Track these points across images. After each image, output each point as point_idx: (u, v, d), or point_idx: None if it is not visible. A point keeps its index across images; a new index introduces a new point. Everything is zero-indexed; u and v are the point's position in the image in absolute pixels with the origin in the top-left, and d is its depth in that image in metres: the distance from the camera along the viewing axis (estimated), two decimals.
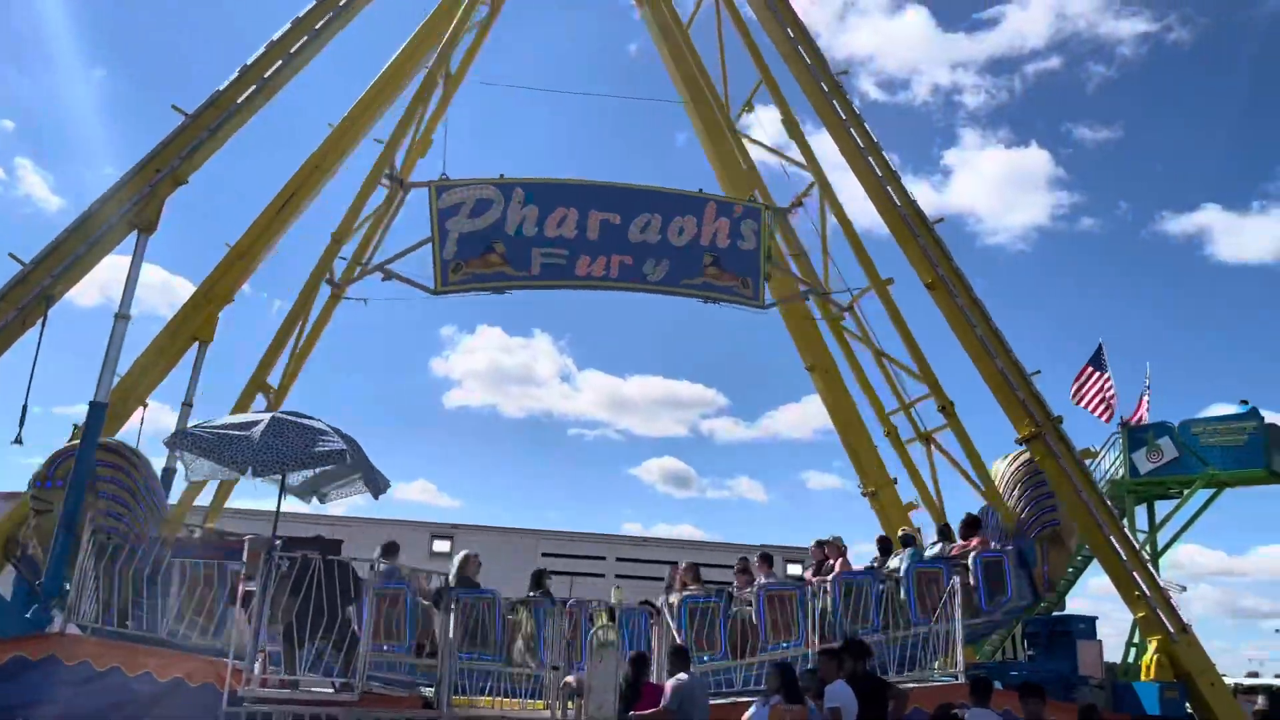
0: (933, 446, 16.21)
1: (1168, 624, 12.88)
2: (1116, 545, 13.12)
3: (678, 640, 12.02)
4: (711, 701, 10.27)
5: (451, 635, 10.85)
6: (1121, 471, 26.48)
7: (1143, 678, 13.19)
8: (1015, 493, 14.78)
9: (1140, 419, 27.45)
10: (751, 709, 9.68)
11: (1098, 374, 27.15)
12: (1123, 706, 13.48)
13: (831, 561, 13.97)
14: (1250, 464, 25.24)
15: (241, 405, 15.11)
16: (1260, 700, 23.81)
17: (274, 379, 15.80)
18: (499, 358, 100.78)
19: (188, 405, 14.86)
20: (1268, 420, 25.93)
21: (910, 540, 14.19)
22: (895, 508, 18.91)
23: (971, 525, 14.20)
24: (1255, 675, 35.89)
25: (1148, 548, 27.03)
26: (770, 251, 16.00)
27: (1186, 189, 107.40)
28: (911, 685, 11.71)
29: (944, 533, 14.68)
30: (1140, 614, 13.11)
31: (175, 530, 12.78)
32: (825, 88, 15.53)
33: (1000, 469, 15.36)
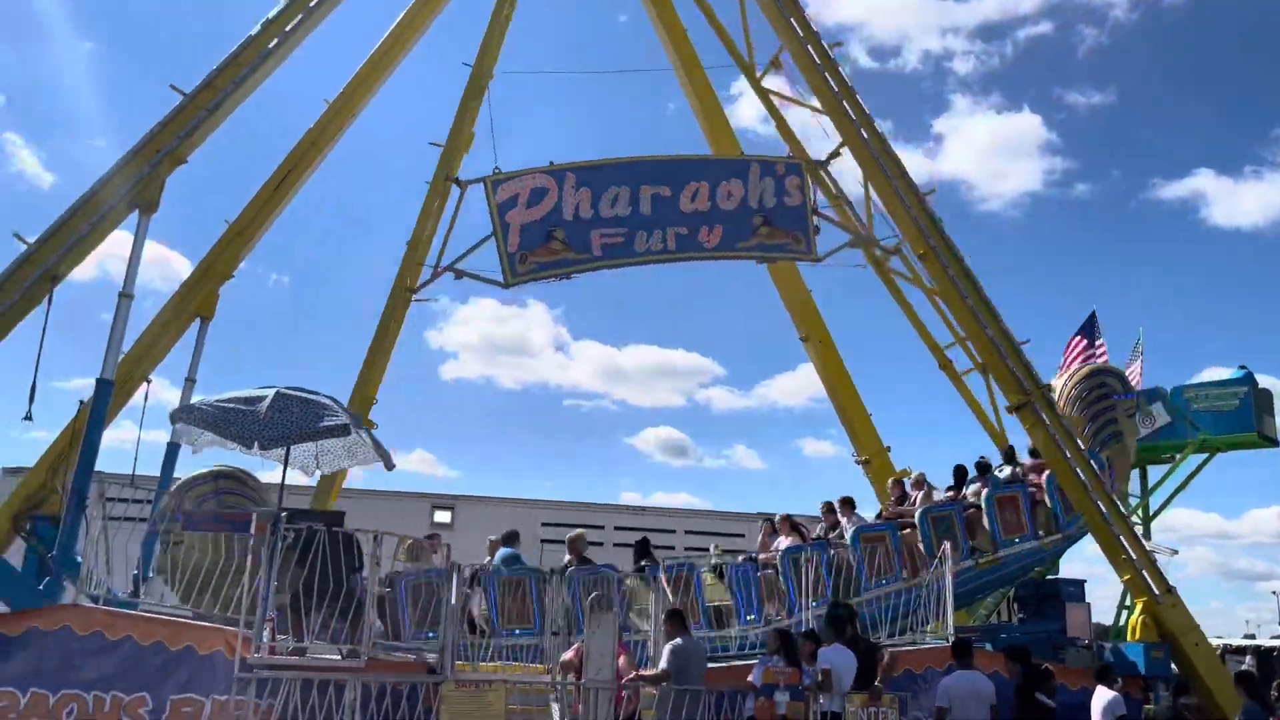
0: (990, 375, 16.83)
1: (1153, 586, 13.17)
2: (1103, 509, 13.39)
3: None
4: (714, 665, 10.63)
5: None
6: None
7: (1129, 639, 13.51)
8: (1075, 409, 15.98)
9: (1134, 385, 27.69)
10: (754, 671, 10.03)
11: (1086, 343, 27.37)
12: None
13: (844, 520, 14.54)
14: (1241, 428, 25.49)
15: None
16: (1247, 660, 24.25)
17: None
18: (493, 329, 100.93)
19: (191, 381, 15.10)
20: (1260, 385, 26.22)
21: (986, 467, 15.47)
22: (889, 475, 19.23)
23: (1037, 452, 15.07)
24: (1252, 637, 36.35)
25: (1140, 512, 27.42)
26: (816, 205, 16.39)
27: (1180, 155, 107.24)
28: (903, 648, 12.06)
29: (1009, 456, 15.96)
30: (1126, 576, 13.41)
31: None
32: (817, 59, 15.59)
33: (1057, 385, 16.33)
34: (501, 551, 13.43)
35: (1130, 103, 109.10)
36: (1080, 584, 15.73)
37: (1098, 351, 27.46)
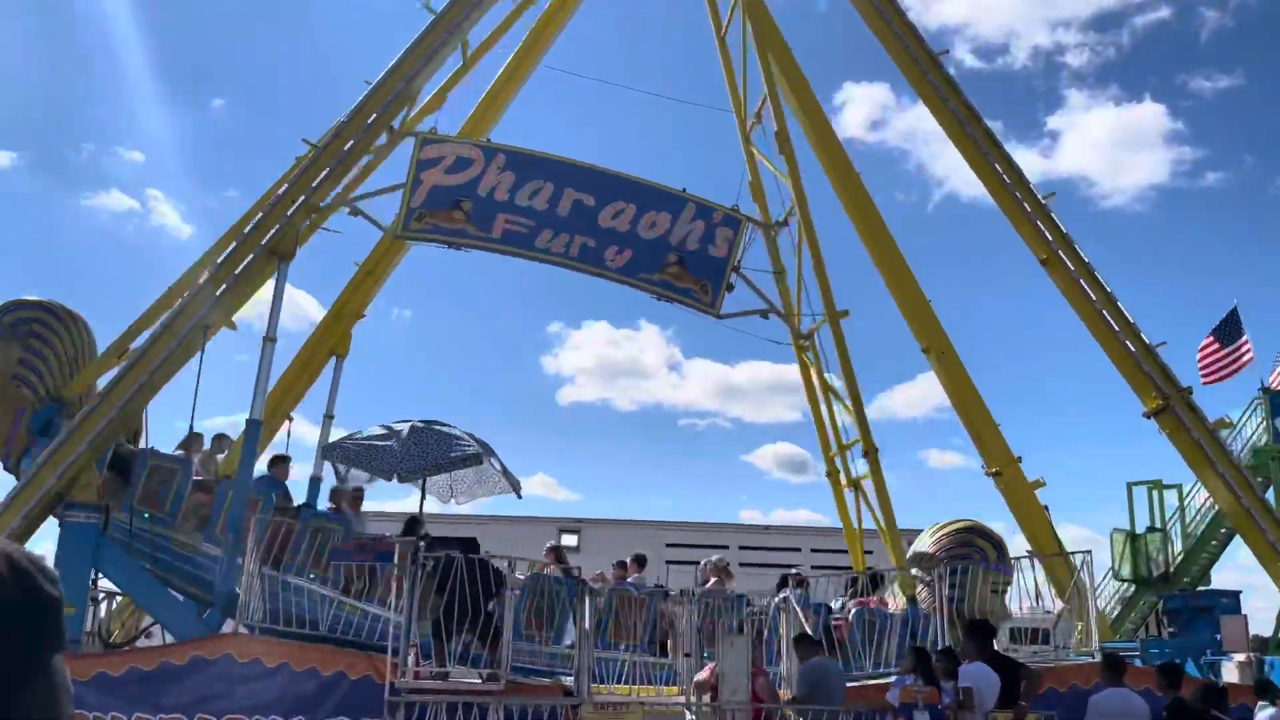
0: (860, 494, 16.35)
1: None
2: (1255, 514, 12.74)
3: None
4: (850, 684, 10.54)
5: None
6: (1265, 438, 25.37)
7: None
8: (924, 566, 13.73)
9: (1272, 382, 26.22)
10: (890, 691, 9.90)
11: (1218, 345, 26.06)
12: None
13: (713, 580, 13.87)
14: None
15: None
16: None
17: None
18: (607, 352, 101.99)
19: (329, 417, 15.83)
20: None
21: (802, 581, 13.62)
22: (1020, 487, 18.67)
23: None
24: None
25: None
26: (740, 264, 15.84)
27: None
28: (1047, 664, 11.70)
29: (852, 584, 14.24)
30: None
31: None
32: (921, 65, 15.40)
33: (925, 540, 14.60)
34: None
35: (1260, 85, 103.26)
36: (1235, 595, 15.07)
37: (1241, 351, 26.17)
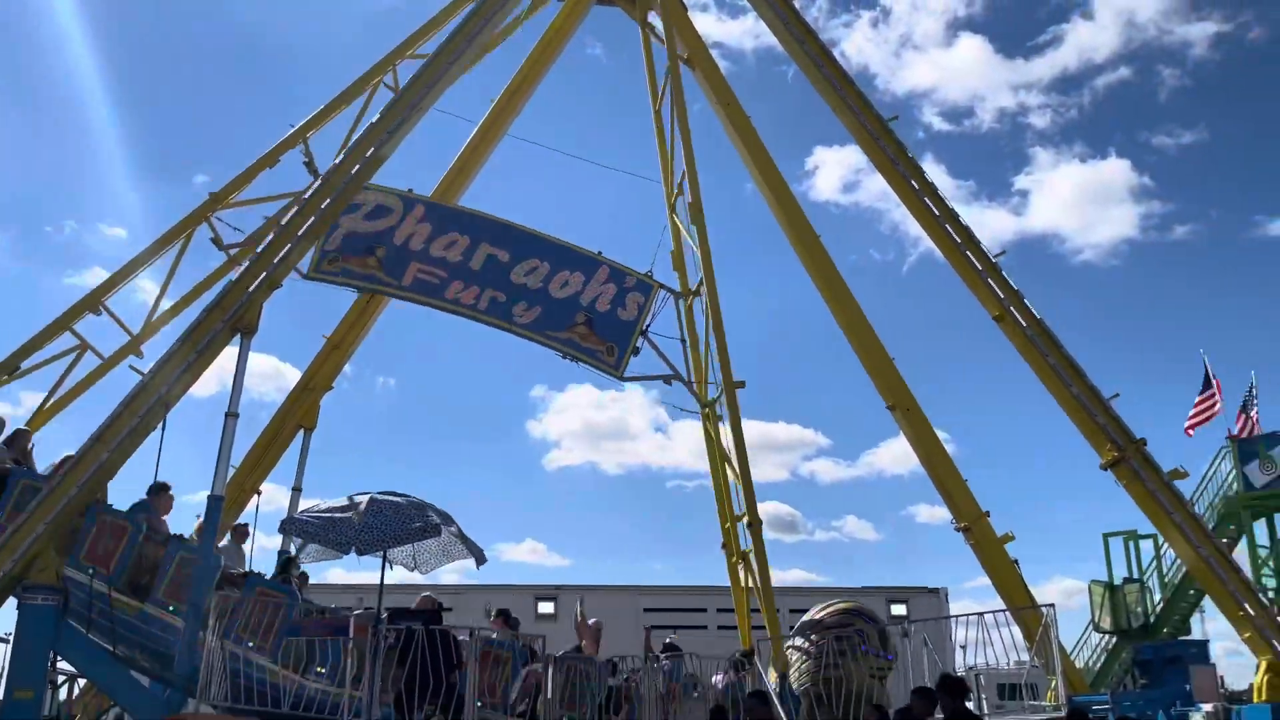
0: (746, 567, 16.45)
1: (1276, 642, 12.54)
2: (1213, 563, 12.87)
3: None
4: None
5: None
6: (1236, 486, 25.57)
7: (1254, 699, 12.84)
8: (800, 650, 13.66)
9: (1251, 430, 26.51)
10: None
11: (1207, 392, 26.44)
12: None
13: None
14: None
15: None
16: None
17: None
18: (592, 415, 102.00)
19: (297, 490, 15.85)
20: None
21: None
22: (990, 541, 18.75)
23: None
24: None
25: (1272, 562, 25.96)
26: (648, 329, 16.13)
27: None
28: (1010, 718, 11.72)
29: (741, 663, 13.84)
30: (1245, 634, 12.80)
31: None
32: (871, 131, 15.84)
33: (811, 616, 14.48)
34: None
35: (1223, 139, 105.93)
36: (1204, 644, 15.11)
37: (1209, 402, 26.50)
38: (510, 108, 18.81)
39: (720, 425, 17.29)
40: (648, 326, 16.15)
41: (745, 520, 16.17)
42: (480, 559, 11.65)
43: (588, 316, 15.78)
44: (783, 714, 10.91)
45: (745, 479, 16.03)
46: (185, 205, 16.67)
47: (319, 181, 14.40)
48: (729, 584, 18.53)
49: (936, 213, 15.21)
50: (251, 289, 12.99)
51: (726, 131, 20.28)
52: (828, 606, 14.45)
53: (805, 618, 14.61)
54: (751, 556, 16.01)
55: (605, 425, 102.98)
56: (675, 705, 11.93)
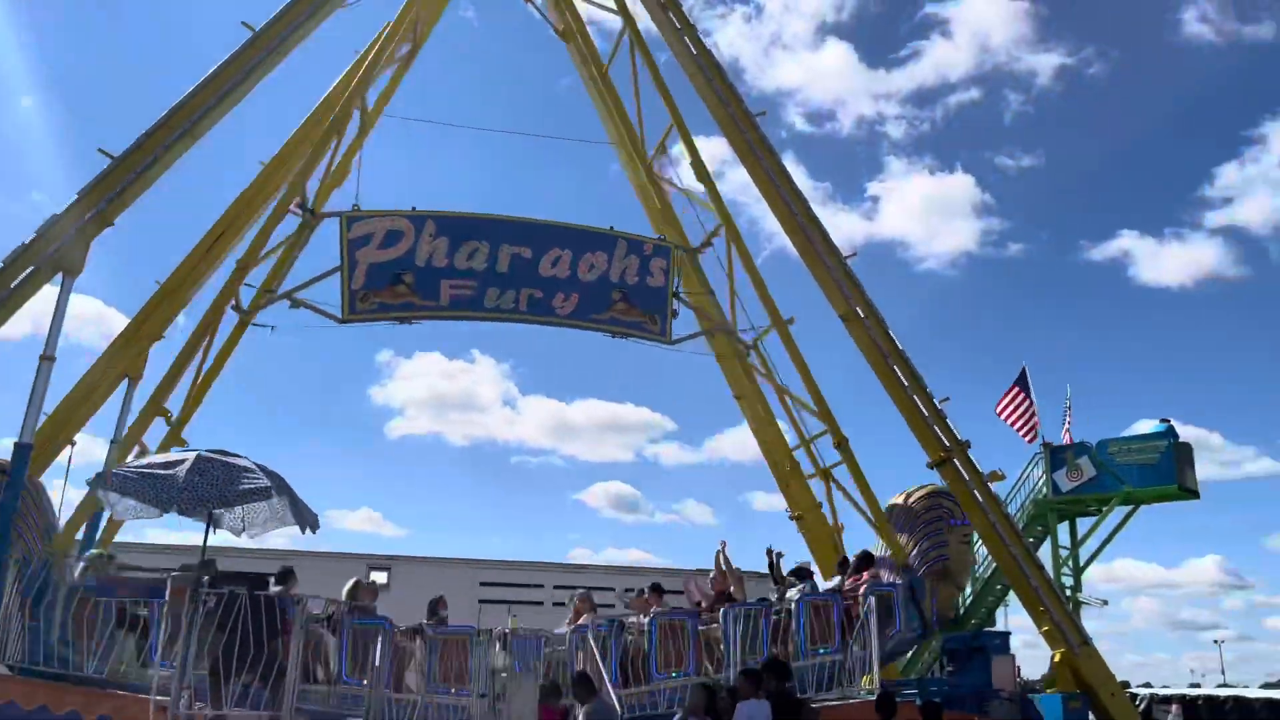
0: (830, 482, 16.74)
1: (1070, 636, 13.50)
2: (1020, 562, 13.74)
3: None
4: None
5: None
6: (1045, 490, 27.42)
7: (1048, 689, 13.80)
8: (908, 530, 15.10)
9: (1064, 439, 28.49)
10: None
11: (1022, 394, 28.16)
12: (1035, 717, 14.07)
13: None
14: (1163, 480, 26.33)
15: (137, 429, 14.86)
16: (1174, 710, 24.70)
17: (175, 404, 15.35)
18: (439, 384, 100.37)
19: (115, 443, 14.90)
20: (1181, 438, 27.11)
21: (805, 574, 14.51)
22: (822, 530, 19.44)
23: (865, 560, 14.60)
24: (1197, 685, 37.12)
25: (1070, 563, 28.01)
26: (678, 289, 16.54)
27: (1106, 217, 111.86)
28: (831, 703, 12.21)
29: (842, 566, 15.11)
30: (1044, 628, 13.74)
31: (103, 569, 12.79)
32: (740, 124, 16.06)
33: (895, 504, 15.70)
34: None
35: (1057, 166, 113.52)
36: (1005, 636, 16.04)
37: (1027, 406, 28.24)
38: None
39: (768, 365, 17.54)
40: (677, 288, 16.57)
41: (834, 440, 16.43)
42: (313, 525, 11.24)
43: (622, 292, 16.03)
44: (612, 694, 11.01)
45: (820, 402, 16.41)
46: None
47: (164, 116, 13.55)
48: (568, 561, 18.54)
49: (794, 210, 15.56)
50: (78, 225, 12.09)
51: (596, 107, 20.23)
52: (910, 495, 15.62)
53: (891, 507, 15.62)
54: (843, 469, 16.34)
55: (453, 395, 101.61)
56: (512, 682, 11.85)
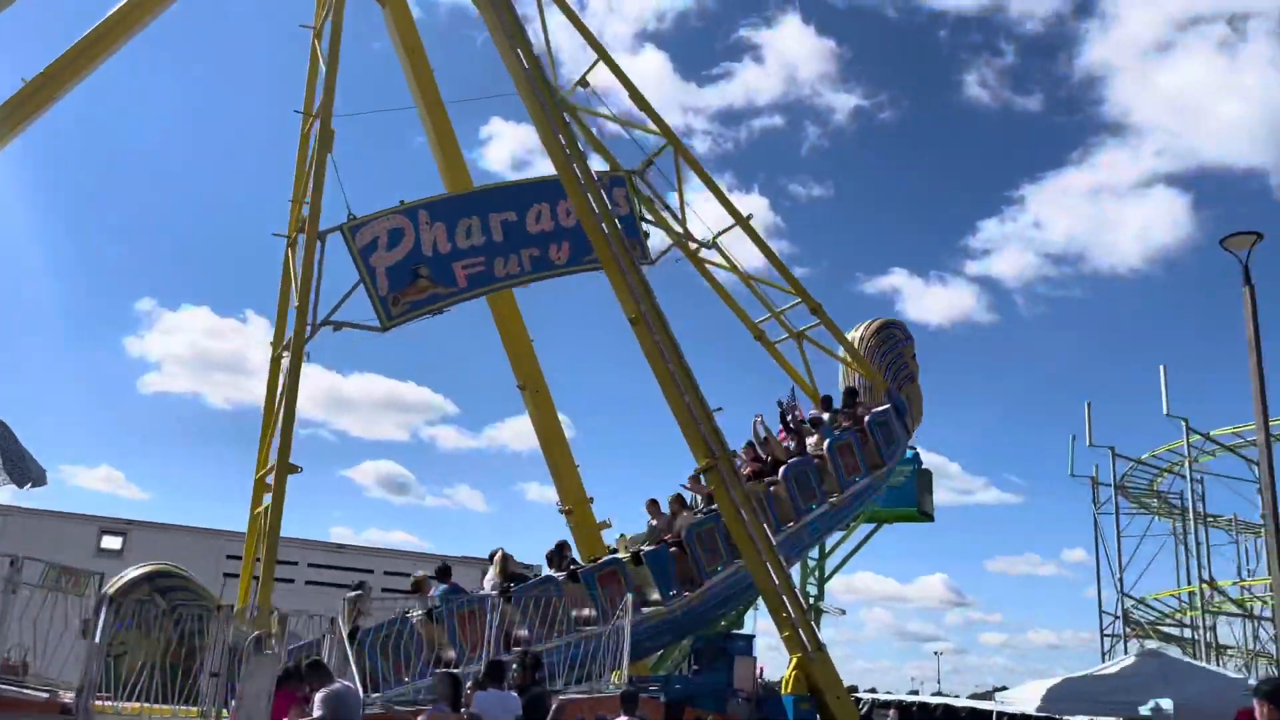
0: (803, 342, 19.58)
1: (806, 643, 14.32)
2: (770, 569, 14.44)
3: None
4: (368, 711, 10.37)
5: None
6: None
7: (784, 691, 14.59)
8: (875, 359, 19.42)
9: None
10: (422, 717, 9.89)
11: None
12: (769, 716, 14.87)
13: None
14: (906, 503, 28.48)
15: None
16: (892, 714, 26.78)
17: None
18: (204, 341, 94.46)
19: None
20: (925, 466, 29.42)
21: (819, 421, 18.05)
22: (588, 525, 19.77)
23: (851, 393, 18.85)
24: (916, 693, 40.34)
25: (816, 573, 29.81)
26: (640, 212, 18.09)
27: (881, 252, 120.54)
28: (579, 695, 12.38)
29: (827, 403, 18.72)
30: (785, 634, 14.49)
31: None
32: (549, 118, 15.96)
33: (856, 336, 19.87)
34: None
35: (844, 200, 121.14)
36: (750, 639, 16.90)
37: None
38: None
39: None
40: (642, 213, 18.29)
41: (809, 307, 19.41)
42: (37, 480, 10.28)
43: None
44: (357, 677, 10.69)
45: (791, 279, 19.76)
46: None
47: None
48: (327, 540, 18.17)
49: (595, 208, 15.66)
50: None
51: (406, 78, 19.66)
52: (863, 335, 20.05)
53: (852, 335, 20.19)
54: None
55: (219, 355, 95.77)
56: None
